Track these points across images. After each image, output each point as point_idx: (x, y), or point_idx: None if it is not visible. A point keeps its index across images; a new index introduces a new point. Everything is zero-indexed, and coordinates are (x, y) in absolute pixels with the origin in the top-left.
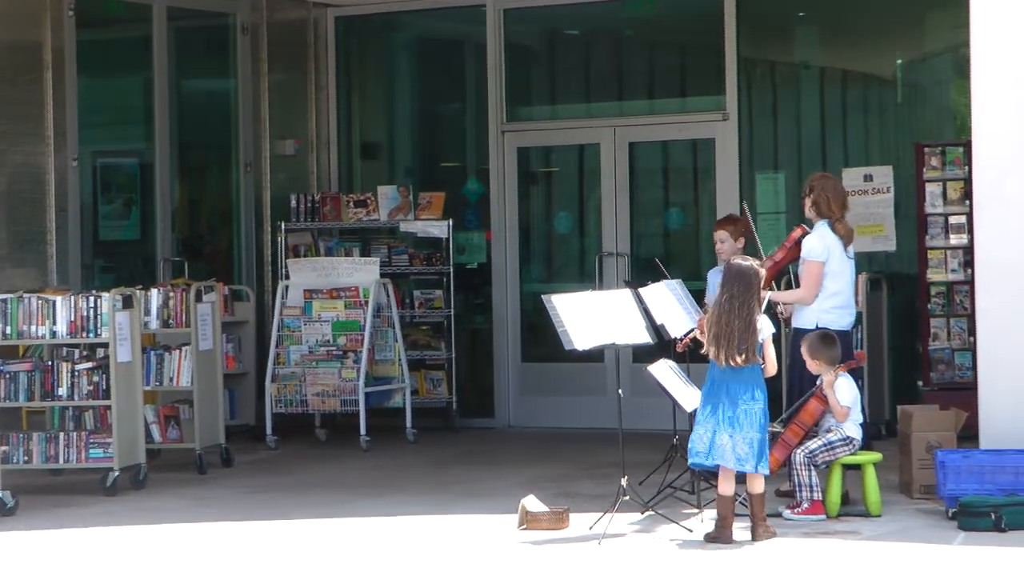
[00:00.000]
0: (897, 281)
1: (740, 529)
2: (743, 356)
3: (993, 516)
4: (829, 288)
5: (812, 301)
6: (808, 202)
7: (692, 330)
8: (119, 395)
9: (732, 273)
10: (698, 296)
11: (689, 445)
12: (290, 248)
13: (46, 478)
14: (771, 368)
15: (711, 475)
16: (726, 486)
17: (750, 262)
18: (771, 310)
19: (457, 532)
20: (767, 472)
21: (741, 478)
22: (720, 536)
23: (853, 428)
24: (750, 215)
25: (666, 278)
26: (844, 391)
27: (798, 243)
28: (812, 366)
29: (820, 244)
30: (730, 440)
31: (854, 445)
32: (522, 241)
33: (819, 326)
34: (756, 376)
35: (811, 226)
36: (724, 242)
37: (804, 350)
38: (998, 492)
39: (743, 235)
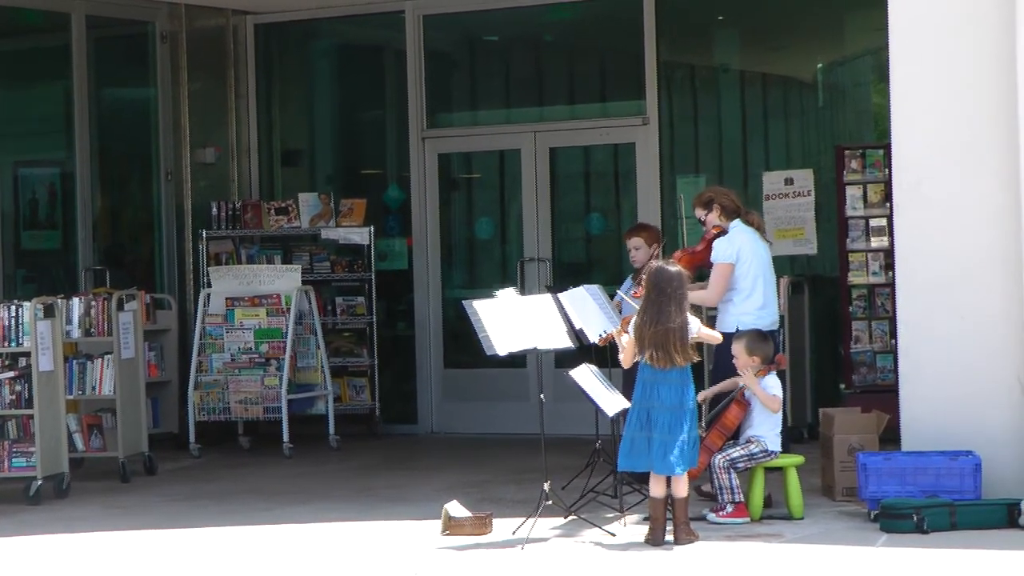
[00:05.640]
0: (818, 284)
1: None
2: (680, 356)
3: (915, 518)
4: (744, 290)
5: (716, 303)
6: (715, 216)
7: (613, 330)
8: (41, 404)
9: (662, 277)
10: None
11: (620, 449)
12: (211, 256)
13: None
14: (716, 338)
15: (635, 478)
16: (657, 488)
17: (677, 267)
18: None
19: (379, 538)
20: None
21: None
22: (652, 538)
23: (775, 439)
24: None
25: None
26: (775, 386)
27: (712, 242)
28: (747, 363)
29: (729, 247)
30: (661, 444)
31: (775, 455)
32: (444, 247)
33: (739, 328)
34: (687, 379)
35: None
36: (639, 249)
37: (742, 347)
38: (919, 494)
39: (656, 241)
